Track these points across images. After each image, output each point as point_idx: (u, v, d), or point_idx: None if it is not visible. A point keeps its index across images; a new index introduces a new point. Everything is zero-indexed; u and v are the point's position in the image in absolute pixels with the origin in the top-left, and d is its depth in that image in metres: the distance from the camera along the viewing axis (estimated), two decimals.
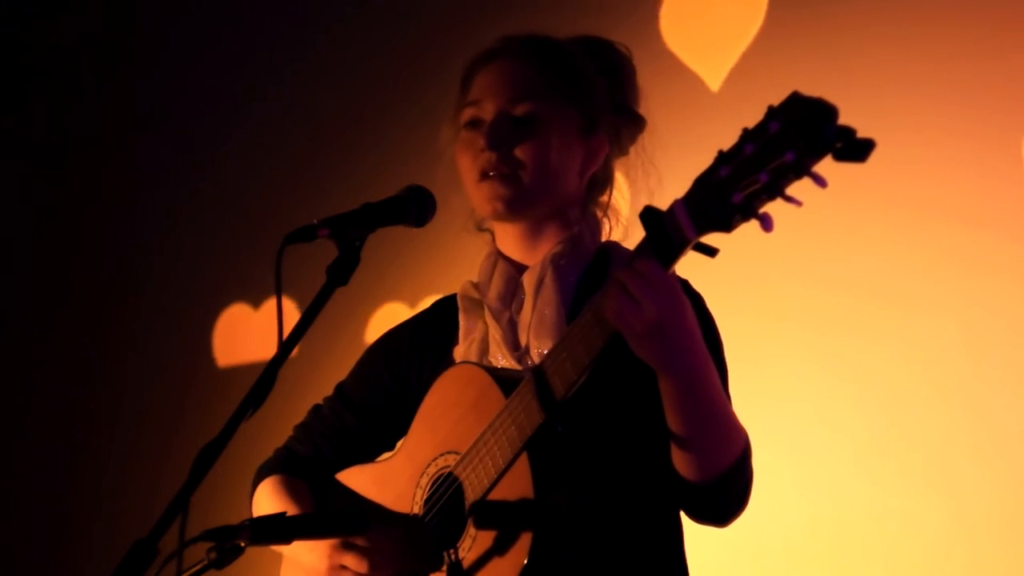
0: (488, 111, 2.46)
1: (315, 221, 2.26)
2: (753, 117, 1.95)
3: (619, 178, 2.56)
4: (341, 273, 2.24)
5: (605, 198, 2.54)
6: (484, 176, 2.44)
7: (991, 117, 3.75)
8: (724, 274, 3.85)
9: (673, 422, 2.19)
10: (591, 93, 2.48)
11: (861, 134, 1.87)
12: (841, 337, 3.85)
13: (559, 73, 2.47)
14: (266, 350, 2.24)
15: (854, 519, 3.79)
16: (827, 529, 3.81)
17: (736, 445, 2.23)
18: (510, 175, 2.43)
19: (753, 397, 3.89)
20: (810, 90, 1.89)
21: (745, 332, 3.89)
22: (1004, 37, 3.76)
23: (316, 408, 2.67)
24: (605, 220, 2.54)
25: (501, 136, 2.43)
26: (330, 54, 4.86)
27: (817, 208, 3.77)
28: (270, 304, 4.76)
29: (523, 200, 2.44)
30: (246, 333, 4.82)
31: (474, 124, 2.47)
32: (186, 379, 4.94)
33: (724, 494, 2.24)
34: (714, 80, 4.08)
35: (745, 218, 1.96)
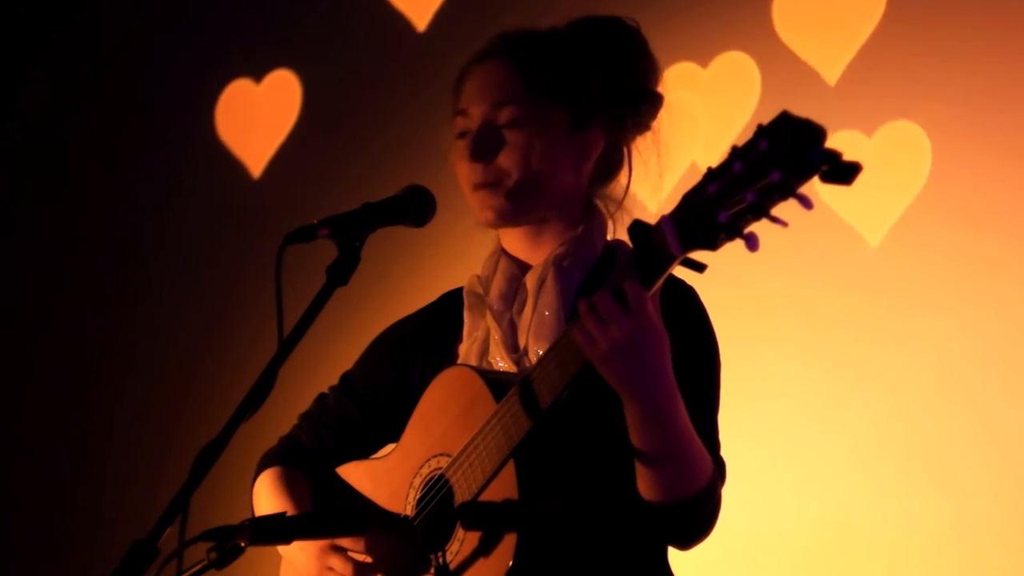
0: (474, 119, 2.45)
1: (315, 221, 2.26)
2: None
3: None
4: (341, 273, 2.24)
5: (617, 187, 2.52)
6: (474, 187, 2.45)
7: (993, 116, 3.75)
8: (725, 273, 3.86)
9: (633, 445, 2.20)
10: (579, 89, 2.45)
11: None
12: (842, 337, 3.85)
13: (542, 72, 2.45)
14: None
15: (854, 519, 3.79)
16: (827, 529, 3.81)
17: (698, 478, 2.22)
18: (497, 184, 2.42)
19: (754, 397, 3.90)
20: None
21: (746, 332, 3.91)
22: (1006, 37, 3.76)
23: (321, 397, 2.66)
24: (613, 214, 2.52)
25: (484, 147, 2.43)
26: (330, 50, 4.86)
27: (819, 207, 3.80)
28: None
29: (512, 208, 2.43)
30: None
31: (463, 135, 2.47)
32: (187, 378, 4.94)
33: (680, 521, 2.25)
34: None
35: (730, 237, 1.97)
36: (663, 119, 2.51)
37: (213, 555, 2.20)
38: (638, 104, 2.49)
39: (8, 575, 5.16)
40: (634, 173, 2.52)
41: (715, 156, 3.93)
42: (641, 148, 2.52)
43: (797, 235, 3.80)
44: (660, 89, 2.50)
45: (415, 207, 2.36)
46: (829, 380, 3.85)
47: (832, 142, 1.82)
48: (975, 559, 3.67)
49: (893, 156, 3.84)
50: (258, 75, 4.95)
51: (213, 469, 2.10)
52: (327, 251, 2.26)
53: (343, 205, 2.30)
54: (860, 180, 1.86)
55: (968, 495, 3.68)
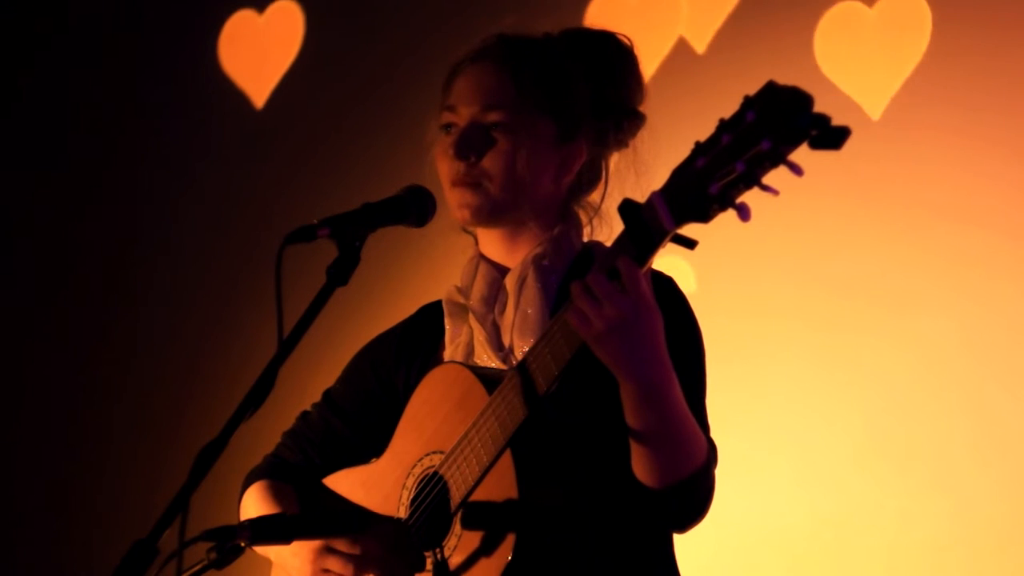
0: (462, 117, 2.46)
1: (315, 221, 2.27)
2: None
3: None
4: (341, 273, 2.25)
5: (595, 198, 2.54)
6: (453, 184, 2.45)
7: (992, 115, 3.75)
8: (725, 273, 3.86)
9: (630, 427, 2.20)
10: (569, 102, 2.47)
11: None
12: (841, 337, 3.85)
13: (536, 81, 2.46)
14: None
15: (854, 519, 3.79)
16: (827, 529, 3.81)
17: (694, 458, 2.22)
18: (476, 185, 2.44)
19: (753, 396, 3.90)
20: (797, 82, 1.89)
21: (745, 332, 3.91)
22: (1006, 36, 3.76)
23: (304, 414, 2.68)
24: (591, 220, 2.54)
25: (469, 146, 2.44)
26: (329, 49, 4.86)
27: (818, 207, 3.80)
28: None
29: (489, 210, 2.44)
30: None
31: (448, 129, 2.48)
32: (187, 378, 4.94)
33: (678, 503, 2.25)
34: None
35: (722, 208, 1.97)
36: (649, 141, 2.53)
37: (213, 555, 2.21)
38: (621, 121, 2.50)
39: (8, 575, 5.17)
40: (611, 189, 2.53)
41: (704, 34, 3.94)
42: (622, 167, 2.54)
43: (798, 234, 3.84)
44: (643, 109, 2.53)
45: (415, 207, 2.36)
46: (828, 379, 3.85)
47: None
48: (975, 559, 3.67)
49: (894, 26, 3.81)
50: (261, 6, 4.96)
51: (213, 469, 2.10)
52: (327, 251, 2.27)
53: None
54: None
55: (968, 495, 3.68)
